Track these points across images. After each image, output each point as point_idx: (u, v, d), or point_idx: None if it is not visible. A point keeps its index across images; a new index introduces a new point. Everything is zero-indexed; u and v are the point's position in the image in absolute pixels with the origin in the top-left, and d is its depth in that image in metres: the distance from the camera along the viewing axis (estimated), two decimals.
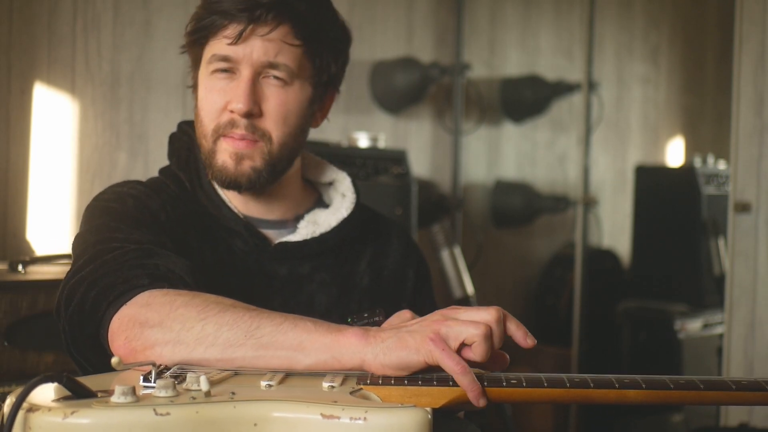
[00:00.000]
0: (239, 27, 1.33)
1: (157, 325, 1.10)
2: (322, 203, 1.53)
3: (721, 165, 4.31)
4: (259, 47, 1.34)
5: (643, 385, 1.04)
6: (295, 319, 1.09)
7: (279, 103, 1.37)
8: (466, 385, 1.01)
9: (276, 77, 1.36)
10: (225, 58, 1.35)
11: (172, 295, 1.14)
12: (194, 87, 1.43)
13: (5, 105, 2.62)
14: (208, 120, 1.38)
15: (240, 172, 1.37)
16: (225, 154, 1.37)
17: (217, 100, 1.37)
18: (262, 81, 1.36)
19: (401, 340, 1.04)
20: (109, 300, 1.16)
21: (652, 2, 4.89)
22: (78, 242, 1.31)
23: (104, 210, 1.35)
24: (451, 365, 1.01)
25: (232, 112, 1.35)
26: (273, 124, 1.37)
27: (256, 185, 1.39)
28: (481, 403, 1.02)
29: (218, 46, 1.35)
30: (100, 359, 1.17)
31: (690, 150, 5.05)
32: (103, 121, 2.82)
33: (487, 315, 1.06)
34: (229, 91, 1.36)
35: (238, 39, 1.33)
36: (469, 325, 1.04)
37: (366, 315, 1.28)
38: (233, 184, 1.39)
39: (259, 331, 1.08)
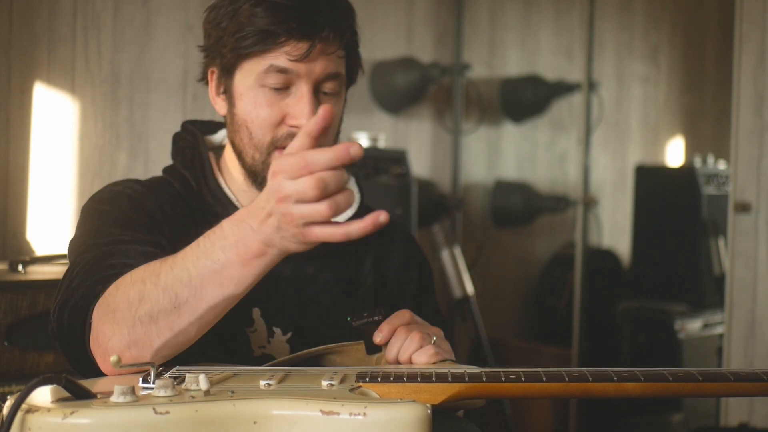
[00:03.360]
0: (301, 44, 1.32)
1: (110, 333, 1.13)
2: None
3: (721, 165, 4.31)
4: (321, 64, 1.35)
5: (642, 378, 1.04)
6: (186, 253, 1.12)
7: (334, 115, 1.39)
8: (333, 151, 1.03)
9: (329, 90, 1.38)
10: (284, 71, 1.34)
11: (111, 290, 1.16)
12: (226, 94, 1.41)
13: (5, 105, 2.62)
14: (262, 133, 1.37)
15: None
16: None
17: (272, 114, 1.36)
18: (317, 94, 1.38)
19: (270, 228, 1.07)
20: (80, 324, 1.18)
21: (652, 2, 4.89)
22: (70, 249, 1.33)
23: (96, 213, 1.36)
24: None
25: (292, 126, 1.36)
26: (327, 135, 1.39)
27: None
28: (353, 150, 1.03)
29: (276, 59, 1.34)
30: (99, 373, 1.19)
31: (690, 150, 5.05)
32: (103, 121, 2.82)
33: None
34: (286, 105, 1.36)
35: (305, 58, 1.33)
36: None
37: (366, 314, 1.28)
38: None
39: (161, 279, 1.11)
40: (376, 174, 3.10)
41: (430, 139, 3.82)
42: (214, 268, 1.09)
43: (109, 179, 2.76)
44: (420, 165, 3.72)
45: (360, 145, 1.05)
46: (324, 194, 1.02)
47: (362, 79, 3.50)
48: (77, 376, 1.02)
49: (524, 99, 4.07)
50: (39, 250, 2.66)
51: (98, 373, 1.17)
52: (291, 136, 1.36)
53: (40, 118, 2.69)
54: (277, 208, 1.04)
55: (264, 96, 1.36)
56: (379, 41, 3.59)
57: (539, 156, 4.34)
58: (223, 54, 1.38)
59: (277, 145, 1.37)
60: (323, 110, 1.08)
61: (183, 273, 1.10)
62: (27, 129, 2.66)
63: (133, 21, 2.88)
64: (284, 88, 1.35)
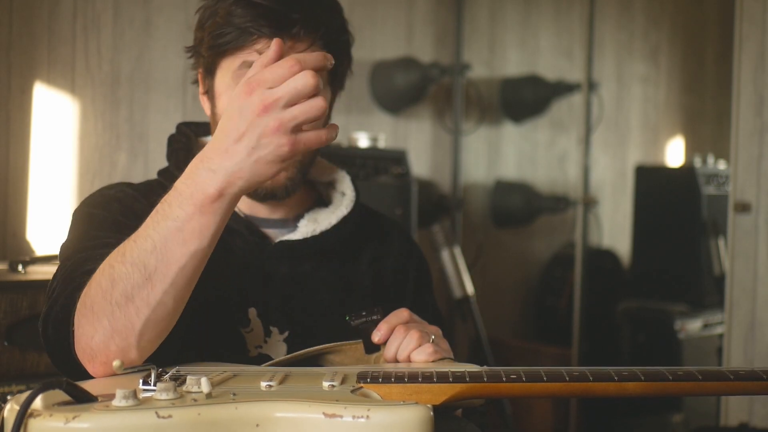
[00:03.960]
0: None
1: (91, 330, 1.12)
2: (322, 202, 1.53)
3: (721, 165, 4.31)
4: None
5: (642, 378, 1.05)
6: (146, 223, 1.12)
7: None
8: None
9: None
10: None
11: (85, 290, 1.15)
12: (208, 95, 1.43)
13: (5, 105, 2.62)
14: None
15: (276, 184, 1.39)
16: None
17: None
18: None
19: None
20: (64, 335, 1.17)
21: (652, 2, 4.88)
22: (61, 253, 1.33)
23: (87, 217, 1.36)
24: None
25: None
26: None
27: (291, 193, 1.42)
28: (329, 59, 1.08)
29: (249, 56, 1.34)
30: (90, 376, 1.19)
31: (690, 150, 5.04)
32: (103, 121, 2.82)
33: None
34: None
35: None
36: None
37: (364, 313, 1.28)
38: (269, 195, 1.41)
39: (127, 256, 1.11)
40: (376, 174, 3.09)
41: (430, 139, 3.81)
42: (176, 225, 1.09)
43: (109, 179, 2.76)
44: (420, 165, 3.72)
45: (332, 57, 1.10)
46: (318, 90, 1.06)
47: (362, 79, 3.52)
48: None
49: (524, 99, 4.07)
50: (39, 250, 2.66)
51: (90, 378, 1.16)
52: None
53: (40, 118, 2.69)
54: (259, 121, 1.05)
55: None
56: (379, 41, 3.59)
57: (539, 156, 4.34)
58: (202, 54, 1.40)
59: None
60: (275, 44, 1.11)
61: (147, 242, 1.10)
62: (27, 129, 2.66)
63: (133, 21, 2.88)
64: None
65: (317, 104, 1.05)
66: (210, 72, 1.40)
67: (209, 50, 1.38)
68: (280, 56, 1.09)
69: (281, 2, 1.34)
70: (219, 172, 1.07)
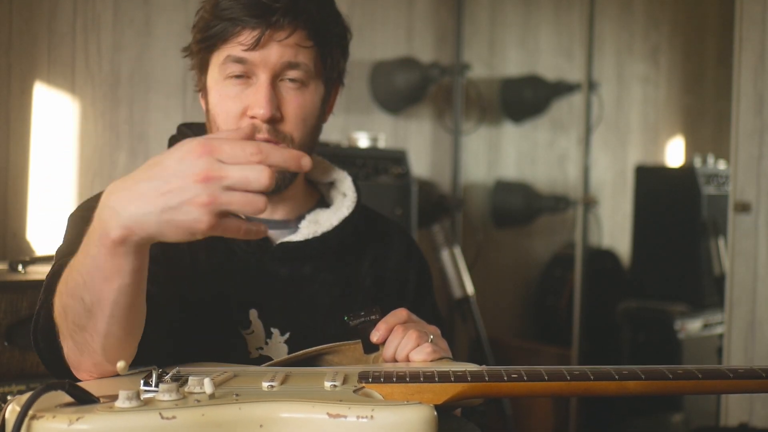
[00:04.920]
0: (254, 33, 1.33)
1: (65, 347, 1.11)
2: (323, 203, 1.52)
3: (721, 165, 4.31)
4: (276, 52, 1.34)
5: (642, 376, 1.05)
6: (77, 253, 1.07)
7: (298, 105, 1.38)
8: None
9: (293, 80, 1.37)
10: (240, 61, 1.34)
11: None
12: (202, 92, 1.43)
13: (5, 105, 2.62)
14: (227, 126, 1.37)
15: None
16: None
17: (233, 106, 1.36)
18: (279, 84, 1.36)
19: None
20: (51, 342, 1.15)
21: (652, 2, 4.89)
22: (55, 256, 1.32)
23: (80, 220, 1.35)
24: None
25: (252, 117, 1.35)
26: (294, 126, 1.38)
27: (281, 188, 1.41)
28: (305, 162, 1.00)
29: (232, 50, 1.34)
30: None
31: (690, 150, 5.05)
32: (103, 121, 2.82)
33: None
34: (247, 96, 1.36)
35: (256, 45, 1.33)
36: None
37: (363, 313, 1.28)
38: None
39: (69, 286, 1.07)
40: (376, 174, 3.09)
41: (430, 139, 3.81)
42: (94, 264, 1.03)
43: (109, 179, 2.76)
44: (420, 165, 3.72)
45: (310, 160, 1.01)
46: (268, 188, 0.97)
47: (362, 79, 3.52)
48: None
49: (524, 99, 4.07)
50: (39, 250, 2.66)
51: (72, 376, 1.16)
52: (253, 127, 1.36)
53: (40, 118, 2.69)
54: (193, 188, 0.95)
55: (228, 88, 1.37)
56: (379, 41, 3.59)
57: (539, 156, 4.34)
58: (194, 51, 1.41)
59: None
60: (248, 126, 1.06)
61: (78, 276, 1.06)
62: (27, 129, 2.66)
63: (133, 21, 2.87)
64: (246, 79, 1.36)
65: (257, 204, 0.97)
66: (202, 69, 1.41)
67: (198, 45, 1.38)
68: (251, 136, 1.02)
69: None
70: (123, 215, 0.98)
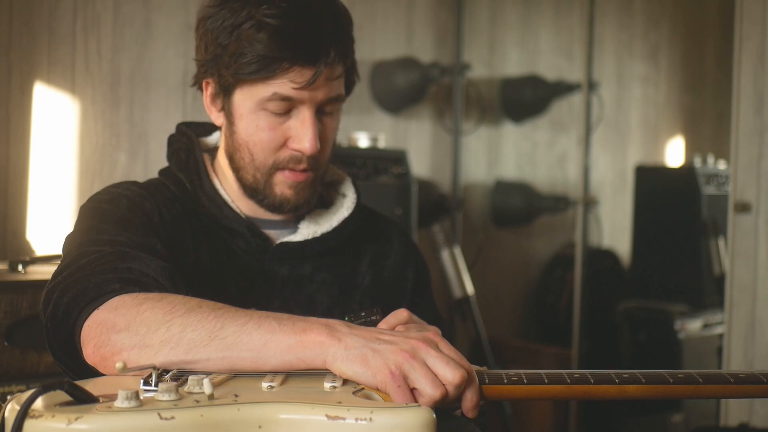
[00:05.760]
0: (305, 72, 1.31)
1: (124, 329, 1.09)
2: (323, 203, 1.53)
3: (721, 165, 4.31)
4: (324, 89, 1.34)
5: (643, 380, 1.05)
6: (260, 319, 1.08)
7: (331, 130, 1.40)
8: None
9: (331, 110, 1.38)
10: (287, 99, 1.33)
11: (140, 298, 1.13)
12: (222, 111, 1.40)
13: (5, 105, 2.62)
14: (264, 156, 1.37)
15: (300, 199, 1.41)
16: (284, 186, 1.39)
17: (273, 138, 1.36)
18: (318, 113, 1.37)
19: (364, 357, 1.02)
20: (80, 306, 1.15)
21: (652, 2, 4.89)
22: (66, 243, 1.31)
23: (95, 211, 1.35)
24: (400, 402, 1.00)
25: (294, 149, 1.36)
26: (327, 151, 1.41)
27: (311, 204, 1.44)
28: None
29: (281, 87, 1.32)
30: (76, 363, 1.16)
31: (690, 150, 5.05)
32: (103, 121, 2.82)
33: (452, 376, 1.02)
34: (288, 129, 1.36)
35: (310, 85, 1.32)
36: (430, 381, 1.01)
37: (363, 314, 1.28)
38: (292, 209, 1.43)
39: (223, 332, 1.06)
40: (376, 174, 3.09)
41: (430, 139, 3.81)
42: (249, 340, 1.06)
43: (109, 179, 2.76)
44: (420, 165, 3.72)
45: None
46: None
47: (362, 79, 3.51)
48: (77, 380, 1.01)
49: (524, 99, 4.07)
50: (39, 250, 2.66)
51: (79, 360, 1.15)
52: (293, 158, 1.37)
53: (40, 118, 2.69)
54: (396, 357, 1.01)
55: (265, 119, 1.35)
56: (379, 41, 3.59)
57: (539, 156, 4.34)
58: (221, 74, 1.36)
59: (279, 167, 1.38)
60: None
61: (214, 341, 1.06)
62: (27, 129, 2.66)
63: (133, 21, 2.87)
64: (286, 112, 1.35)
65: (433, 394, 1.00)
66: (227, 91, 1.38)
67: (233, 75, 1.34)
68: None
69: (308, 26, 1.31)
70: (328, 351, 1.03)
